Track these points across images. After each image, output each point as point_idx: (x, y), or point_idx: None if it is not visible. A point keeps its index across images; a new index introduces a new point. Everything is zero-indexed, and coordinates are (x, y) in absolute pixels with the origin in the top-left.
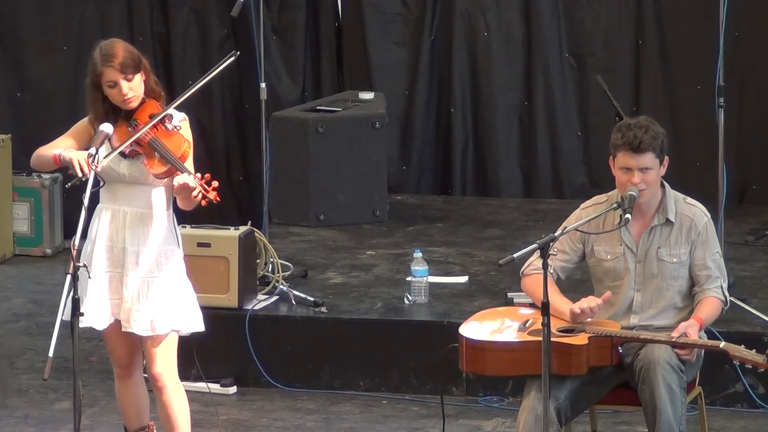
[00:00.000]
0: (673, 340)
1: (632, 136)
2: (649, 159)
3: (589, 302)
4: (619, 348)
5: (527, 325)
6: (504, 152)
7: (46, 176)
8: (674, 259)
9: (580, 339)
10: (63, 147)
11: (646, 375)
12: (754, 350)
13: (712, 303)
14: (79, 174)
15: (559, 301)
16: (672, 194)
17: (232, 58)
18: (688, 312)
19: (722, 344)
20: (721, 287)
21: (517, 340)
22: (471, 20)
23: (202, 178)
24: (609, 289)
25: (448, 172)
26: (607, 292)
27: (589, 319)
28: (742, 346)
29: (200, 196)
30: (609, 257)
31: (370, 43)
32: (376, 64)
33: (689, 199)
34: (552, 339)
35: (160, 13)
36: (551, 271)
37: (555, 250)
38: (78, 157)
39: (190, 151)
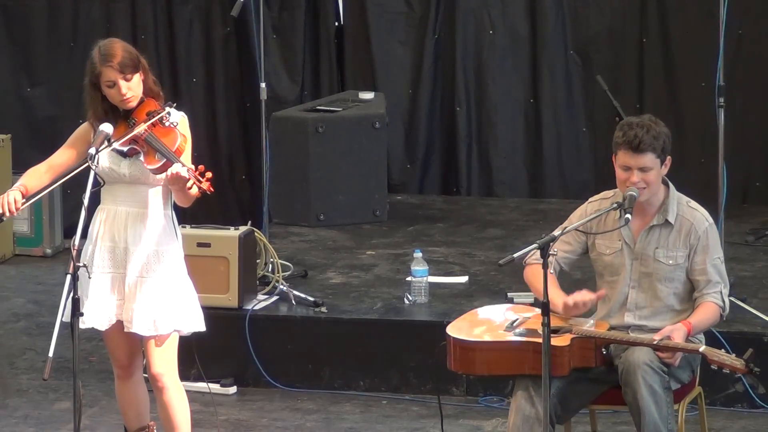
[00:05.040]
0: (655, 342)
1: (633, 136)
2: (648, 159)
3: (582, 296)
4: (603, 350)
5: (514, 324)
6: (509, 150)
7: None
8: (670, 261)
9: (563, 340)
10: (59, 161)
11: (627, 377)
12: (734, 354)
13: (708, 308)
14: None
15: (556, 295)
16: (675, 196)
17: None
18: (687, 316)
19: (702, 348)
20: (721, 293)
21: (503, 339)
22: (475, 18)
23: (196, 169)
24: (607, 283)
25: (453, 171)
26: (602, 290)
27: (581, 317)
28: (723, 350)
29: (194, 187)
30: (608, 251)
31: (373, 42)
32: (380, 63)
33: (693, 203)
34: (534, 339)
35: (164, 10)
36: (553, 261)
37: (555, 249)
38: (4, 197)
39: (185, 146)
